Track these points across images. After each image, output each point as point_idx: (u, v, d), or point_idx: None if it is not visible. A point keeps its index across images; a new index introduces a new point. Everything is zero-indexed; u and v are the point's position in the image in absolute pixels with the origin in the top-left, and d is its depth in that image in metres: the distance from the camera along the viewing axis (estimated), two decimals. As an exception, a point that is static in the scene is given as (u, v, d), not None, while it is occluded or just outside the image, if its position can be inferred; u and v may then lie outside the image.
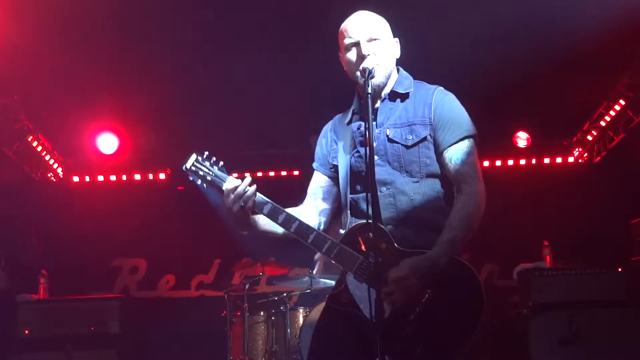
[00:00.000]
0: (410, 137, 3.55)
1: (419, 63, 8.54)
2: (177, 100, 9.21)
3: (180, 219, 10.60)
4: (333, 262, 3.46)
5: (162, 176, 11.28)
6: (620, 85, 9.58)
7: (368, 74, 3.38)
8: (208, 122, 9.77)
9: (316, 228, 3.64)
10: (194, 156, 3.75)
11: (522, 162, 11.32)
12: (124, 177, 11.23)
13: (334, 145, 3.81)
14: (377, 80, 3.55)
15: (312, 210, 3.83)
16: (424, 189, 3.53)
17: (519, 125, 10.83)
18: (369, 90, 3.34)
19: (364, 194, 3.50)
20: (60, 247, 10.37)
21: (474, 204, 3.48)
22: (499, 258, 10.71)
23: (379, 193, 3.49)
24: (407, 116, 3.60)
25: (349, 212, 3.60)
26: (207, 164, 3.69)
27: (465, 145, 3.56)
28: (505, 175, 11.20)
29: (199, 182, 3.72)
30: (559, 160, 11.43)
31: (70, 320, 8.49)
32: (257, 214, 3.60)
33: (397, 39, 3.75)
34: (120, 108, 9.63)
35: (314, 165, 3.94)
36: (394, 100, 3.67)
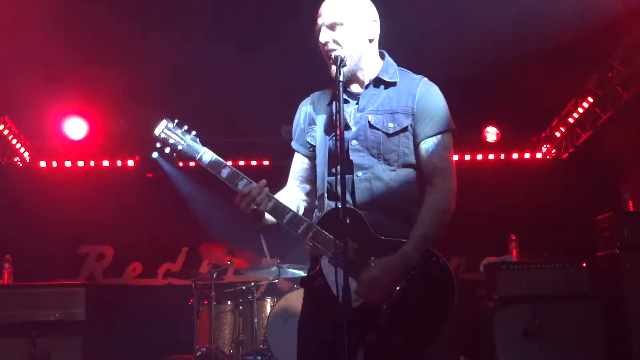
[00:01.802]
0: (392, 126, 3.54)
1: (388, 53, 8.60)
2: (147, 86, 9.12)
3: (148, 206, 10.54)
4: (308, 244, 3.41)
5: (130, 163, 11.20)
6: (589, 83, 9.68)
7: (340, 62, 3.37)
8: (177, 110, 9.66)
9: (302, 209, 3.67)
10: (164, 122, 3.65)
11: (491, 157, 11.42)
12: (92, 164, 11.12)
13: (312, 124, 3.74)
14: (344, 68, 3.48)
15: (297, 192, 3.78)
16: (400, 178, 3.52)
17: (488, 120, 10.90)
18: (341, 78, 3.33)
19: (346, 177, 3.46)
20: (26, 232, 10.24)
21: (446, 200, 3.49)
22: (466, 251, 10.77)
23: (355, 177, 3.49)
24: (390, 104, 3.57)
25: (325, 194, 3.55)
26: (178, 132, 3.61)
27: (443, 139, 3.57)
28: (474, 169, 11.28)
29: (168, 150, 3.60)
30: (527, 155, 11.54)
31: (35, 306, 8.40)
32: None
33: (375, 19, 3.68)
34: (90, 94, 9.52)
35: (293, 144, 3.86)
36: (378, 87, 3.63)
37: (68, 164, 11.04)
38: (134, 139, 10.56)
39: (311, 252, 3.53)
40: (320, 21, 3.55)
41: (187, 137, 3.59)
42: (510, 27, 7.81)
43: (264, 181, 3.46)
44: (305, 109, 3.83)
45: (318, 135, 3.66)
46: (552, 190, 10.73)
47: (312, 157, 3.76)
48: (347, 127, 3.54)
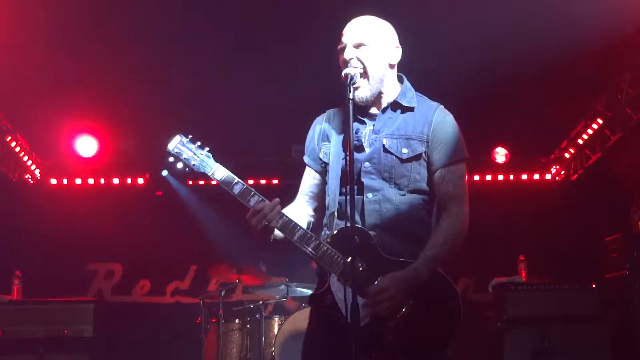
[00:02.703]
0: (406, 151, 3.57)
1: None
2: (157, 104, 9.18)
3: (157, 224, 10.57)
4: (317, 262, 3.44)
5: (140, 181, 11.24)
6: (599, 105, 9.69)
7: (350, 80, 3.39)
8: (188, 128, 9.74)
9: (310, 225, 3.70)
10: (178, 137, 3.65)
11: (500, 177, 11.41)
12: (102, 181, 11.16)
13: (325, 141, 3.76)
14: (363, 86, 3.55)
15: (305, 207, 3.82)
16: (410, 202, 3.56)
17: (497, 141, 10.91)
18: (350, 96, 3.35)
19: (356, 198, 3.50)
20: (35, 248, 10.28)
21: (460, 225, 3.54)
22: (474, 272, 10.76)
23: (365, 199, 3.52)
24: (405, 129, 3.61)
25: (336, 213, 3.58)
26: (192, 147, 3.61)
27: (458, 167, 3.62)
28: (483, 190, 11.27)
29: (181, 165, 3.61)
30: (536, 177, 11.53)
31: (44, 323, 8.42)
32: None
33: (398, 46, 3.73)
34: (101, 111, 9.58)
35: (305, 159, 3.88)
36: (395, 111, 3.67)
37: (78, 181, 11.09)
38: (144, 157, 10.60)
39: (319, 269, 3.55)
40: (345, 39, 3.59)
41: (201, 152, 3.60)
42: (519, 49, 7.84)
43: (277, 199, 3.48)
44: (320, 125, 3.84)
45: (331, 153, 3.68)
46: (561, 211, 10.72)
47: (323, 174, 3.78)
48: (362, 149, 3.58)
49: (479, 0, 7.11)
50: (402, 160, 3.57)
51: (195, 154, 3.59)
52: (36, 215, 10.50)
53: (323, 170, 3.77)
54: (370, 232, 3.46)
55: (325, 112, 3.91)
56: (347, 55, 3.55)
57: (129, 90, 8.79)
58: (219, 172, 3.56)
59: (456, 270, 11.13)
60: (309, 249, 3.42)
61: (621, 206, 10.16)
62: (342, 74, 3.44)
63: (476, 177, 11.41)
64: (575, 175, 11.03)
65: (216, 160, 3.61)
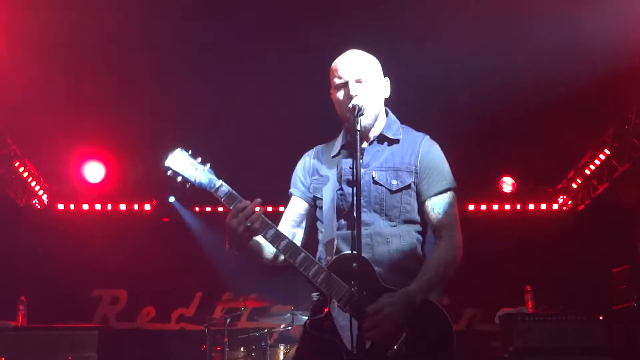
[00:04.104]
0: (395, 183, 3.61)
1: (405, 107, 8.67)
2: (165, 131, 9.22)
3: (163, 250, 10.57)
4: (318, 287, 3.42)
5: (147, 207, 11.26)
6: (606, 135, 9.69)
7: (357, 111, 3.40)
8: (195, 155, 9.78)
9: None
10: (178, 151, 3.52)
11: (507, 207, 11.40)
12: (109, 207, 11.19)
13: (316, 175, 3.79)
14: (364, 120, 3.55)
15: (289, 234, 3.70)
16: (401, 234, 3.59)
17: (504, 171, 10.91)
18: (358, 128, 3.36)
19: (347, 232, 3.55)
20: (41, 274, 10.28)
21: (452, 253, 3.57)
22: (481, 302, 10.72)
23: (355, 232, 3.43)
24: (393, 161, 3.64)
25: (335, 241, 3.57)
26: (192, 161, 3.51)
27: (447, 196, 3.65)
28: (490, 219, 11.27)
29: (180, 180, 3.51)
30: (543, 206, 11.51)
31: (48, 349, 8.39)
32: (257, 235, 3.49)
33: (387, 79, 3.77)
34: (108, 137, 9.63)
35: (294, 191, 3.85)
36: (382, 143, 3.71)
37: (85, 206, 11.12)
38: (151, 183, 10.63)
39: (317, 294, 3.54)
40: (345, 75, 3.62)
41: (203, 168, 3.50)
42: (527, 79, 7.88)
43: (258, 199, 3.41)
44: (309, 159, 3.88)
45: (325, 187, 3.70)
46: (568, 242, 10.68)
47: (311, 205, 3.81)
48: (352, 183, 3.56)
49: (487, 33, 7.14)
50: (392, 192, 3.59)
51: (196, 169, 3.49)
52: (42, 241, 10.52)
53: (312, 203, 3.80)
54: None
55: (313, 148, 3.96)
56: (352, 91, 3.57)
57: (136, 117, 8.84)
58: (222, 190, 3.49)
59: (463, 300, 11.16)
60: (310, 273, 3.40)
61: (628, 237, 10.12)
62: (350, 105, 3.44)
63: (483, 207, 11.42)
64: (582, 206, 11.00)
65: (218, 177, 3.52)
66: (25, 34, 7.15)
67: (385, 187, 3.60)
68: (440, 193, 3.64)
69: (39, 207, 10.90)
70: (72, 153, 10.14)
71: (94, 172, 10.44)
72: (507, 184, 10.95)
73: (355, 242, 3.34)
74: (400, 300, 3.32)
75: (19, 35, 7.14)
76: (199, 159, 3.51)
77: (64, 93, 8.18)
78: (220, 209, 11.14)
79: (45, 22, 6.99)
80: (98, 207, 11.18)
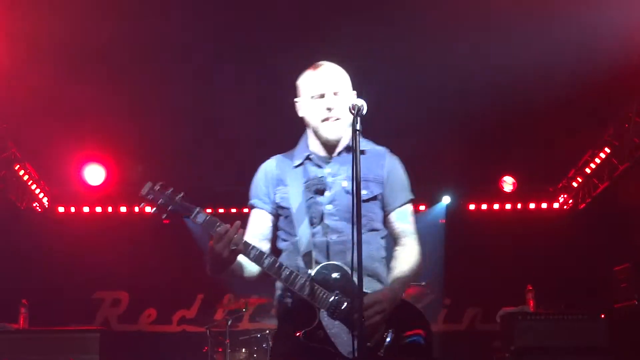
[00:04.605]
0: (365, 192, 3.72)
1: (407, 108, 8.71)
2: (164, 133, 9.24)
3: (164, 252, 10.56)
4: (307, 298, 3.52)
5: (148, 209, 11.22)
6: (606, 134, 9.69)
7: (357, 111, 3.41)
8: (193, 156, 9.81)
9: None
10: (149, 184, 3.68)
11: (508, 206, 11.41)
12: (110, 209, 11.20)
13: (281, 185, 3.85)
14: (339, 131, 3.75)
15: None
16: (369, 241, 3.72)
17: (505, 170, 10.91)
18: (358, 127, 3.38)
19: (322, 239, 3.67)
20: (42, 277, 10.29)
21: (417, 256, 3.80)
22: (482, 302, 10.73)
23: (330, 240, 3.68)
24: (362, 171, 3.59)
25: (313, 253, 3.66)
26: (165, 192, 3.62)
27: (409, 207, 3.89)
28: (491, 219, 11.29)
29: (154, 210, 3.64)
30: (544, 205, 11.52)
31: (50, 352, 8.37)
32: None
33: (354, 92, 3.88)
34: (108, 140, 9.64)
35: (256, 202, 3.91)
36: (348, 154, 3.74)
37: (86, 209, 11.14)
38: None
39: (305, 306, 3.57)
40: (322, 88, 3.75)
41: (177, 197, 3.61)
42: (527, 78, 7.89)
43: (238, 222, 3.49)
44: (270, 170, 3.92)
45: (291, 197, 3.77)
46: (569, 241, 10.68)
47: (276, 216, 3.87)
48: (322, 192, 3.73)
49: (488, 33, 7.15)
50: (362, 201, 3.57)
51: (169, 199, 3.60)
52: (43, 244, 10.52)
53: (275, 214, 3.87)
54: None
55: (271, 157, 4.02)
56: (330, 103, 3.72)
57: (136, 120, 8.84)
58: (200, 215, 3.58)
59: (464, 300, 11.15)
60: (296, 287, 3.52)
61: (629, 235, 10.12)
62: (350, 105, 3.45)
63: (484, 206, 11.43)
64: (583, 204, 11.01)
65: (191, 204, 3.61)
66: (26, 38, 7.15)
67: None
68: (404, 204, 3.87)
69: (39, 210, 10.91)
70: (73, 156, 10.13)
71: (94, 174, 10.44)
72: (508, 184, 10.96)
73: (325, 250, 3.65)
74: (387, 295, 3.53)
75: (20, 39, 7.15)
76: (171, 189, 3.61)
77: (64, 96, 8.17)
78: (221, 210, 11.17)
79: (46, 26, 6.99)
80: (99, 209, 11.19)
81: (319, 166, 3.81)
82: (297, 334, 3.54)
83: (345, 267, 3.57)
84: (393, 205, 3.84)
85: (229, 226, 3.46)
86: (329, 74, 3.80)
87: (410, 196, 3.91)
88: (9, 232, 10.01)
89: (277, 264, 3.54)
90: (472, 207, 11.47)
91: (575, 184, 11.00)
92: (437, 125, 9.02)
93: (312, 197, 3.73)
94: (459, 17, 7.14)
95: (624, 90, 8.47)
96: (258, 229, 3.85)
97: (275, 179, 3.87)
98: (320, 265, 3.60)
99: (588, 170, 10.47)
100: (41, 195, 10.81)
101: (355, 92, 3.88)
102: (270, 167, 3.94)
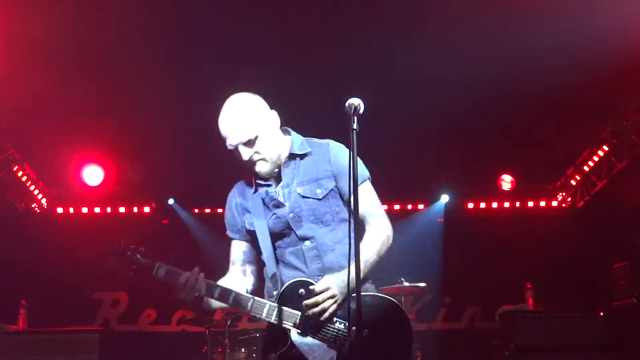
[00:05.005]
0: (320, 191, 3.84)
1: (405, 107, 8.70)
2: (163, 134, 9.24)
3: (163, 252, 10.50)
4: (275, 322, 3.65)
5: (146, 209, 11.26)
6: (604, 132, 9.70)
7: (353, 110, 3.42)
8: (193, 157, 9.80)
9: (248, 291, 3.92)
10: (111, 250, 3.89)
11: (506, 204, 11.41)
12: (109, 210, 11.20)
13: (245, 213, 3.98)
14: (265, 168, 3.81)
15: (241, 276, 4.02)
16: (341, 237, 3.83)
17: (503, 168, 10.92)
18: (354, 126, 3.39)
19: (295, 247, 3.80)
20: (41, 278, 10.28)
21: (383, 234, 3.83)
22: (481, 300, 10.73)
23: (303, 247, 3.80)
24: (310, 173, 3.85)
25: (281, 267, 3.83)
26: (128, 254, 3.85)
27: (366, 187, 3.90)
28: (489, 217, 11.29)
29: (120, 273, 3.88)
30: (542, 203, 11.52)
31: (49, 353, 8.36)
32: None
33: (273, 111, 3.90)
34: (107, 141, 9.64)
35: (229, 234, 4.09)
36: (294, 160, 3.90)
37: (85, 210, 11.13)
38: (151, 186, 10.64)
39: (275, 330, 3.68)
40: (232, 142, 3.76)
41: (138, 256, 3.85)
42: (525, 77, 7.89)
43: (196, 268, 3.74)
44: (235, 200, 4.07)
45: (255, 222, 3.91)
46: (568, 239, 10.69)
47: (248, 240, 4.02)
48: (281, 205, 3.84)
49: (484, 31, 7.16)
50: (320, 200, 3.83)
51: (132, 259, 3.85)
52: (42, 244, 10.51)
53: (249, 238, 4.02)
54: (317, 277, 3.72)
55: (233, 187, 4.15)
56: (245, 156, 3.76)
57: (134, 120, 8.84)
58: (160, 271, 3.82)
59: (464, 298, 11.14)
60: (263, 315, 3.67)
61: (628, 233, 10.12)
62: (346, 104, 3.46)
63: (482, 205, 11.43)
64: (582, 202, 11.02)
65: (150, 258, 3.86)
66: (24, 39, 7.15)
67: (313, 198, 3.82)
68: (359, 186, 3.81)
69: (38, 211, 10.91)
70: (71, 157, 10.13)
71: (92, 175, 10.43)
72: (506, 182, 10.97)
73: (301, 257, 3.78)
74: (338, 277, 3.64)
75: (18, 40, 7.15)
76: (132, 248, 3.86)
77: (62, 97, 8.17)
78: (220, 210, 11.17)
79: (44, 28, 6.99)
80: (97, 210, 11.19)
81: (268, 185, 3.90)
82: (273, 356, 3.71)
83: (310, 280, 3.69)
84: (347, 190, 3.81)
85: (189, 274, 3.69)
86: (234, 124, 3.76)
87: (362, 177, 3.87)
88: (8, 233, 10.00)
89: (241, 297, 3.71)
90: (470, 205, 11.48)
91: (573, 182, 11.01)
92: (435, 124, 9.02)
93: (273, 214, 3.85)
94: (458, 15, 7.14)
95: (622, 88, 8.47)
96: (236, 258, 4.06)
97: (241, 207, 4.02)
98: (284, 286, 3.72)
99: (586, 168, 10.48)
100: (40, 196, 10.80)
101: (273, 110, 3.89)
102: (232, 197, 4.10)
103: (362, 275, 3.52)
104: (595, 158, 10.15)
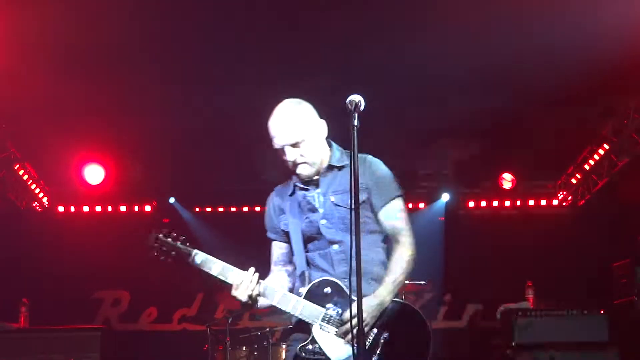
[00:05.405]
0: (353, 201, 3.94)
1: (406, 105, 8.71)
2: (164, 133, 9.25)
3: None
4: (299, 317, 3.83)
5: (147, 208, 11.27)
6: (605, 130, 9.70)
7: (354, 107, 3.45)
8: (194, 155, 9.82)
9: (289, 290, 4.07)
10: (153, 234, 4.14)
11: (507, 203, 11.40)
12: (110, 208, 11.21)
13: (282, 214, 4.17)
14: (306, 172, 3.98)
15: (283, 277, 4.18)
16: (368, 245, 3.93)
17: (504, 167, 10.92)
18: (355, 123, 3.44)
19: (324, 250, 3.99)
20: (42, 276, 10.29)
21: (409, 252, 3.98)
22: (482, 298, 10.74)
23: (331, 250, 3.98)
24: (345, 183, 3.95)
25: (306, 272, 4.02)
26: (168, 239, 4.08)
27: (396, 203, 4.05)
28: (490, 216, 11.29)
29: (163, 258, 4.10)
30: (543, 202, 11.52)
31: (51, 351, 8.41)
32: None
33: (323, 120, 4.05)
34: (108, 139, 9.65)
35: (269, 235, 4.26)
36: (332, 171, 4.07)
37: (86, 208, 11.14)
38: (152, 184, 10.65)
39: (300, 323, 3.89)
40: (280, 142, 3.94)
41: (178, 242, 4.06)
42: (526, 75, 7.89)
43: (252, 268, 3.88)
44: (273, 202, 4.26)
45: (290, 222, 4.11)
46: (569, 237, 10.69)
47: (287, 242, 4.18)
48: (315, 210, 4.04)
49: (484, 29, 7.16)
50: (352, 209, 3.84)
51: (173, 245, 4.06)
52: (43, 243, 10.52)
53: (287, 239, 4.18)
54: (343, 279, 3.86)
55: (273, 190, 4.33)
56: (289, 157, 3.94)
57: (135, 119, 8.85)
58: (198, 257, 4.00)
59: (464, 297, 11.15)
60: (289, 308, 3.84)
61: (629, 231, 10.12)
62: (347, 101, 3.50)
63: (483, 203, 11.43)
64: (583, 201, 11.01)
65: (192, 247, 4.04)
66: (25, 37, 7.15)
67: (344, 207, 3.96)
68: (389, 202, 4.03)
69: (39, 209, 10.92)
70: (72, 156, 10.15)
71: (93, 174, 10.45)
72: (507, 181, 10.97)
73: (329, 260, 3.94)
74: (372, 303, 3.75)
75: (19, 38, 7.15)
76: (173, 234, 4.09)
77: (63, 96, 8.17)
78: (221, 209, 11.20)
79: (45, 26, 6.99)
80: (98, 209, 11.20)
81: (305, 189, 4.08)
82: (296, 348, 3.87)
83: (336, 281, 3.87)
84: (378, 205, 4.02)
85: (244, 275, 3.86)
86: (286, 126, 3.93)
87: (395, 193, 4.06)
88: (9, 232, 10.02)
89: (269, 290, 3.88)
90: (471, 204, 11.48)
91: (574, 181, 11.00)
92: (436, 122, 9.03)
93: (307, 217, 4.04)
94: (457, 11, 7.14)
95: (623, 86, 8.46)
96: (277, 258, 4.24)
97: (279, 209, 4.21)
98: (312, 283, 3.91)
99: (587, 167, 10.47)
100: (41, 195, 10.81)
101: (323, 120, 4.04)
102: (271, 200, 4.28)
103: (392, 294, 3.85)
104: (596, 157, 10.14)
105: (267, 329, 8.46)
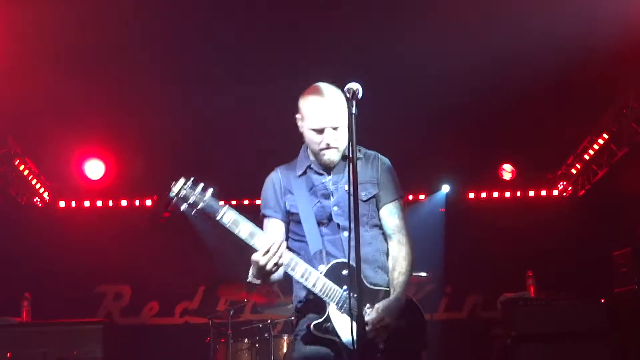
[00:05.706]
0: (364, 194, 4.09)
1: (405, 97, 8.71)
2: (164, 126, 9.25)
3: (165, 245, 10.58)
4: (318, 293, 3.86)
5: (148, 202, 11.29)
6: (604, 120, 9.70)
7: (352, 94, 3.46)
8: (196, 149, 9.83)
9: None
10: (182, 180, 3.76)
11: (507, 194, 11.42)
12: (111, 203, 11.21)
13: (289, 194, 4.15)
14: (333, 156, 4.03)
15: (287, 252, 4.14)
16: (372, 236, 4.13)
17: (504, 158, 10.93)
18: (353, 111, 3.44)
19: (334, 237, 4.03)
20: (44, 271, 10.31)
21: (412, 253, 4.18)
22: (483, 288, 10.76)
23: (342, 236, 4.00)
24: (359, 176, 3.88)
25: (323, 251, 4.01)
26: (196, 189, 3.74)
27: (398, 204, 4.22)
28: (490, 207, 11.30)
29: (185, 207, 3.74)
30: (543, 193, 11.53)
31: (53, 344, 8.42)
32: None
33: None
34: (108, 134, 9.67)
35: (268, 212, 4.17)
36: (345, 161, 4.07)
37: (87, 203, 11.15)
38: (152, 179, 10.66)
39: (316, 299, 3.94)
40: (322, 123, 3.95)
41: (206, 194, 3.74)
42: (524, 65, 7.90)
43: (281, 236, 4.00)
44: (277, 181, 4.21)
45: (299, 203, 4.10)
46: (569, 227, 10.71)
47: (287, 222, 4.18)
48: (329, 196, 4.09)
49: (483, 20, 7.17)
50: (363, 202, 4.05)
51: (201, 196, 3.73)
52: (45, 238, 10.54)
53: (288, 220, 4.17)
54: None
55: (274, 170, 4.29)
56: (327, 139, 3.96)
57: (135, 114, 8.86)
58: (227, 215, 3.76)
59: (465, 287, 11.17)
60: (310, 283, 3.86)
61: (629, 221, 10.13)
62: (345, 88, 3.52)
63: (483, 194, 11.44)
64: (583, 191, 11.03)
65: (220, 201, 3.76)
66: (25, 33, 7.17)
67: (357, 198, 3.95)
68: (392, 201, 4.19)
69: (40, 205, 10.93)
70: (73, 151, 10.16)
71: (94, 169, 10.46)
72: (507, 171, 10.98)
73: (339, 245, 3.99)
74: (395, 307, 3.92)
75: (19, 35, 7.17)
76: (202, 185, 3.74)
77: (63, 91, 8.18)
78: (221, 203, 11.17)
79: (45, 22, 7.01)
80: (99, 203, 11.20)
81: (321, 174, 4.13)
82: (309, 325, 3.91)
83: (354, 265, 3.70)
84: (383, 201, 4.16)
85: (273, 240, 3.75)
86: (331, 108, 3.93)
87: (399, 194, 4.22)
88: (10, 227, 10.04)
89: (294, 261, 3.85)
90: (471, 195, 11.49)
91: (574, 171, 11.01)
92: (436, 114, 9.03)
93: (318, 202, 4.08)
94: (458, 3, 7.15)
95: (622, 75, 8.47)
96: (275, 236, 4.04)
97: (284, 189, 4.17)
98: (331, 263, 3.94)
99: (587, 157, 10.48)
100: (42, 190, 10.82)
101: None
102: (276, 178, 4.22)
103: (404, 293, 4.02)
104: (596, 146, 10.15)
105: (269, 321, 8.48)
